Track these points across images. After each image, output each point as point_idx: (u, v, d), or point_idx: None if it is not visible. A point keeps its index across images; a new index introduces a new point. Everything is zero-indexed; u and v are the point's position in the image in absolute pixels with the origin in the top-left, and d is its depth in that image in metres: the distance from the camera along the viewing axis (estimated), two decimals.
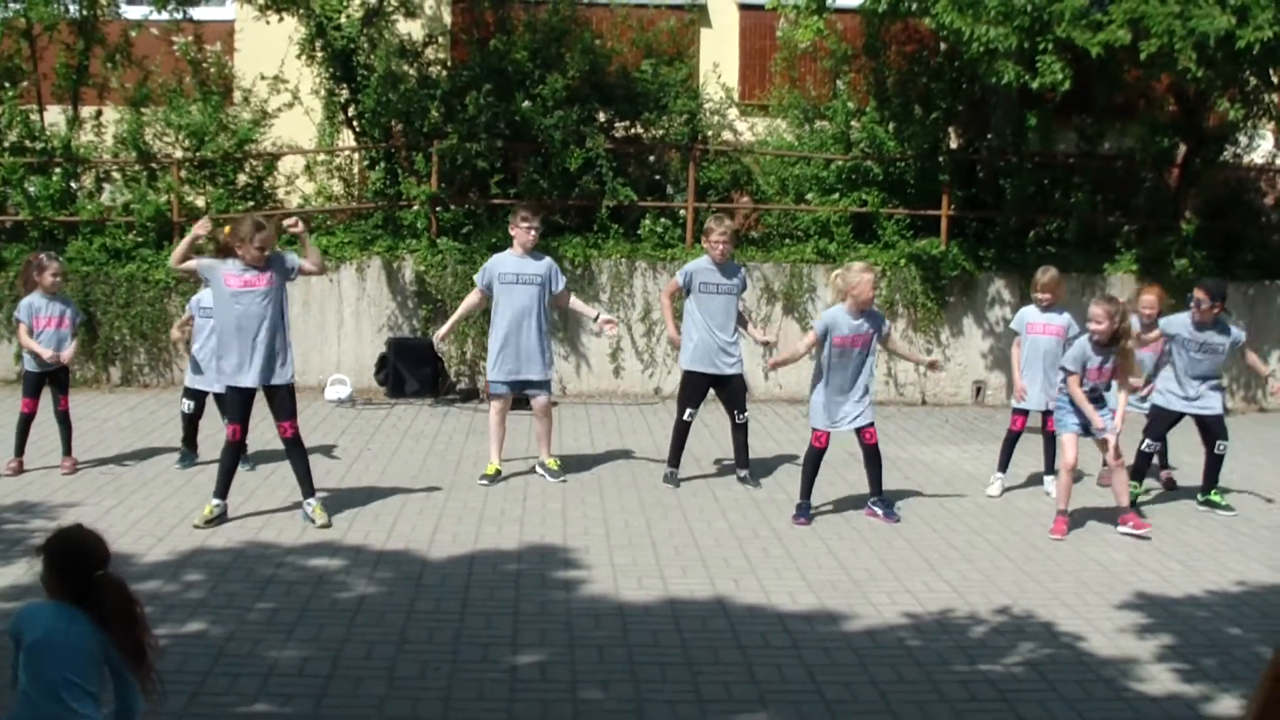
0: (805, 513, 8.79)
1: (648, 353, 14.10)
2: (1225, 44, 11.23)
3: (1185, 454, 10.52)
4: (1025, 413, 9.90)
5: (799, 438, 11.47)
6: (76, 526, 4.16)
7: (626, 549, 8.02)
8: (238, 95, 14.97)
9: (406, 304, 14.06)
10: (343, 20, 14.37)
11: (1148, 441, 9.46)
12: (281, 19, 14.43)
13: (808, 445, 8.97)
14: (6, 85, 14.41)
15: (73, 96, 14.93)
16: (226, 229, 8.34)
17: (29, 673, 3.86)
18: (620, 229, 14.35)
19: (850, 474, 9.94)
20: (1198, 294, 9.22)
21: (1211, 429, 9.35)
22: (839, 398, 8.80)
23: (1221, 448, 9.33)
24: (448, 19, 15.96)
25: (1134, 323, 9.33)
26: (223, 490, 8.40)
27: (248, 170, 14.82)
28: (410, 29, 15.11)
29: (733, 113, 15.38)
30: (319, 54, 14.50)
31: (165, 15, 14.86)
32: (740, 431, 9.92)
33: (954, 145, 15.18)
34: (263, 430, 9.77)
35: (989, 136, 15.09)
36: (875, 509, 8.97)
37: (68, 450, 9.82)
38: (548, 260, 9.97)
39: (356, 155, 15.25)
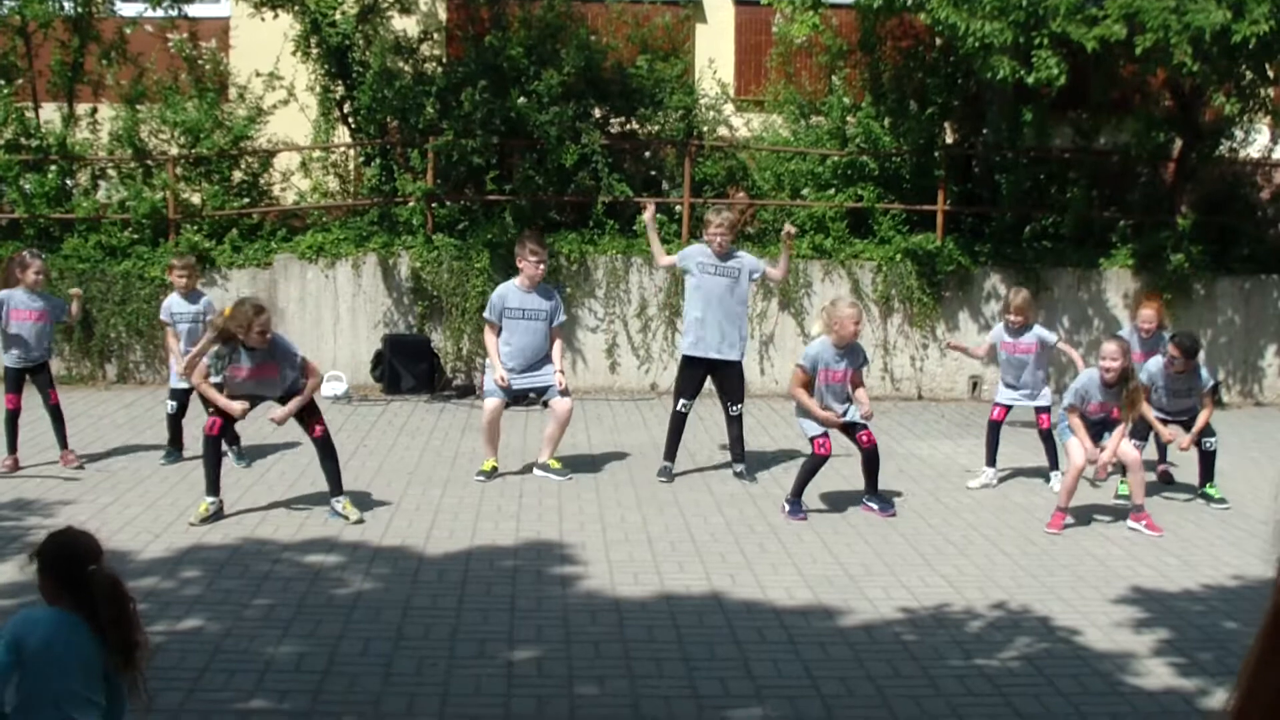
0: (799, 508, 8.79)
1: (644, 349, 14.10)
2: (1221, 38, 11.23)
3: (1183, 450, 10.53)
4: (1009, 407, 9.97)
5: (793, 433, 11.47)
6: (66, 528, 4.18)
7: (623, 544, 8.03)
8: (233, 92, 14.94)
9: (402, 300, 14.05)
10: (338, 17, 14.36)
11: (1134, 441, 9.49)
12: (276, 15, 14.41)
13: (810, 454, 8.91)
14: (1, 82, 14.38)
15: (68, 93, 14.90)
16: (226, 311, 8.33)
17: (30, 682, 3.80)
18: (616, 225, 14.34)
19: (845, 469, 9.94)
20: (1172, 351, 9.34)
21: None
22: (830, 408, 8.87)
23: (1210, 444, 9.38)
24: (443, 15, 15.93)
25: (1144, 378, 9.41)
26: (213, 487, 8.40)
27: (243, 167, 14.80)
28: (405, 25, 15.09)
29: (728, 108, 15.36)
30: (314, 50, 14.48)
31: (160, 12, 14.83)
32: (734, 424, 9.89)
33: (949, 140, 15.18)
34: (260, 425, 9.78)
35: (984, 131, 15.08)
36: (871, 504, 8.98)
37: (64, 444, 9.83)
38: (556, 298, 9.90)
39: (352, 152, 15.23)
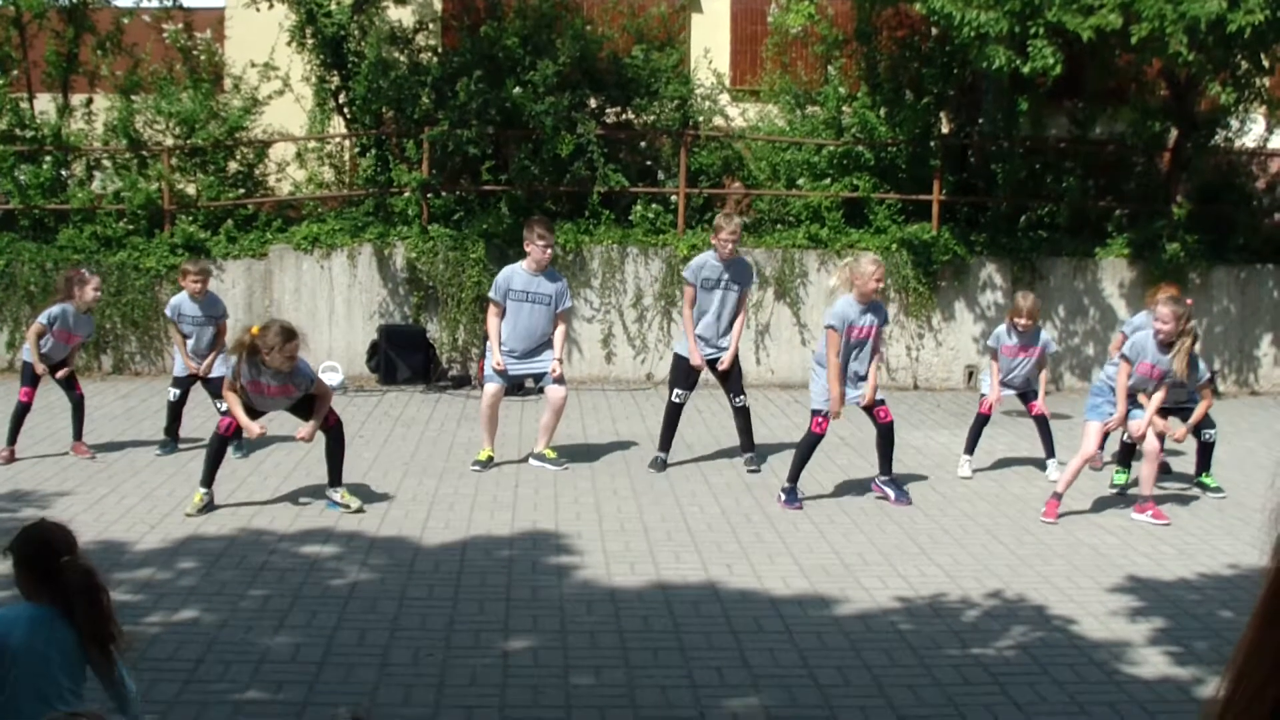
0: (795, 497, 8.78)
1: (639, 339, 14.09)
2: (1216, 28, 11.22)
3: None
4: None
5: (790, 423, 11.49)
6: (40, 520, 4.19)
7: (619, 534, 8.03)
8: (228, 83, 14.93)
9: (398, 291, 14.04)
10: (333, 7, 14.33)
11: (1128, 434, 9.49)
12: (272, 6, 14.39)
13: (806, 430, 8.89)
14: None
15: (63, 84, 14.87)
16: (254, 329, 8.26)
17: (14, 680, 3.79)
18: (612, 215, 14.33)
19: (841, 458, 9.96)
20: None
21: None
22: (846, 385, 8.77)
23: (1209, 435, 9.37)
24: (438, 5, 15.92)
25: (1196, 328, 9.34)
26: (208, 480, 8.40)
27: (239, 158, 14.79)
28: (401, 15, 15.07)
29: (724, 98, 15.35)
30: (309, 41, 14.46)
31: (155, 3, 14.84)
32: (740, 416, 9.85)
33: (945, 130, 15.17)
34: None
35: (980, 121, 15.08)
36: (885, 488, 8.93)
37: (79, 435, 9.93)
38: (563, 282, 9.85)
39: (347, 142, 15.21)
